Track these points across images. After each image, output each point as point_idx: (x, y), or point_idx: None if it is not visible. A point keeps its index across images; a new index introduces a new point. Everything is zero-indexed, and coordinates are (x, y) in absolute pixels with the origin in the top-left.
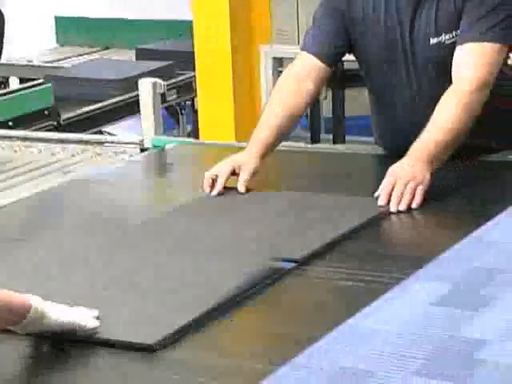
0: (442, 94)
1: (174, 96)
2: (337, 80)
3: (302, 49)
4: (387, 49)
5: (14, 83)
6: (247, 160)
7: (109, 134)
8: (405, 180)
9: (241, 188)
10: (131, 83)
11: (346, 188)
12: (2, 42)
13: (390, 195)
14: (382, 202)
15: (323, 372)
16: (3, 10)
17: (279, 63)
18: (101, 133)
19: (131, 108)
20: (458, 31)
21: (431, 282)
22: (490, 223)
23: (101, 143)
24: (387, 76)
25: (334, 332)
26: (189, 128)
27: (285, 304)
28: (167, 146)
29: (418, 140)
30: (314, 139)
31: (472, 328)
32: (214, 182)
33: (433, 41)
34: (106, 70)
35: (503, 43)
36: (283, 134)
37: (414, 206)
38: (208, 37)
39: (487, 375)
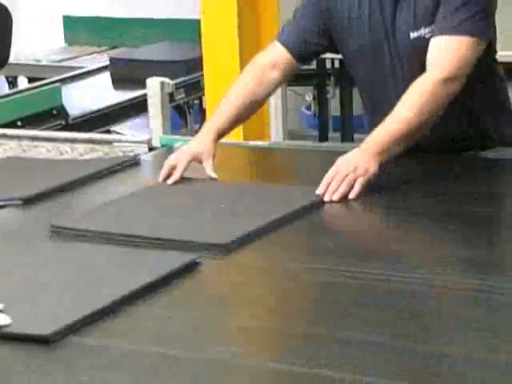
0: None
1: (182, 95)
2: (345, 78)
3: (277, 39)
4: (372, 45)
5: (22, 83)
6: (206, 148)
7: (117, 133)
8: (346, 172)
9: (213, 174)
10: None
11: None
12: (11, 42)
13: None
14: (318, 191)
15: None
16: (12, 10)
17: None
18: (109, 132)
19: (139, 107)
20: None
21: None
22: None
23: (109, 142)
24: (373, 72)
25: None
26: (196, 127)
27: (205, 289)
28: (175, 145)
29: (373, 130)
30: (323, 138)
31: None
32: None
33: (413, 35)
34: (168, 52)
35: (476, 37)
36: (239, 121)
37: (350, 196)
38: (216, 36)
39: None
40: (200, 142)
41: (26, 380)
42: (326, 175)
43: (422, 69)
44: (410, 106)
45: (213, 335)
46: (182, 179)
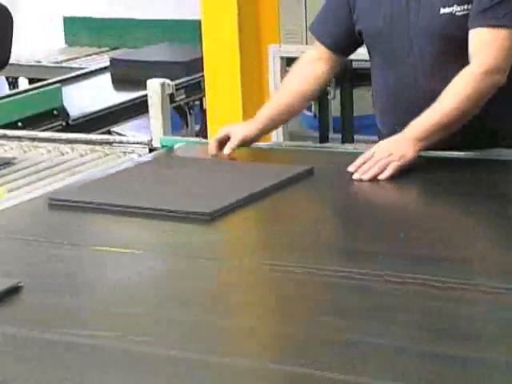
0: (444, 72)
1: (183, 96)
2: (345, 79)
3: (311, 32)
4: (392, 19)
5: (23, 83)
6: (242, 129)
7: (117, 134)
8: (380, 155)
9: (226, 150)
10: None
11: (355, 187)
12: (11, 43)
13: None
14: (350, 168)
15: None
16: (12, 11)
17: (287, 63)
18: (109, 133)
19: (140, 108)
20: (470, 6)
21: None
22: None
23: (109, 143)
24: (388, 50)
25: None
26: (197, 128)
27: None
28: (176, 146)
29: (417, 117)
30: (323, 139)
31: None
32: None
33: (443, 10)
34: (169, 53)
35: None
36: (290, 113)
37: (380, 177)
38: (216, 37)
39: None
40: (245, 123)
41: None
42: (361, 156)
43: (440, 50)
44: (453, 97)
45: None
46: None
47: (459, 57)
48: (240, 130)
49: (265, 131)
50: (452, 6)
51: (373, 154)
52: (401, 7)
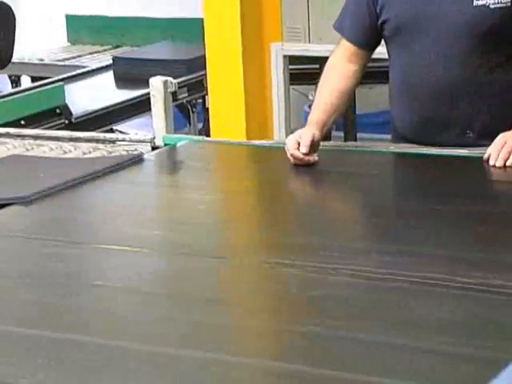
0: (471, 65)
1: (185, 94)
2: None
3: (336, 29)
4: (420, 9)
5: (25, 82)
6: (308, 132)
7: (120, 132)
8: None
9: (303, 149)
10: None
11: (357, 186)
12: (14, 41)
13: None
14: (492, 161)
15: None
16: (14, 9)
17: (290, 61)
18: (112, 131)
19: (142, 106)
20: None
21: None
22: None
23: (112, 141)
24: (414, 41)
25: None
26: (200, 126)
27: None
28: (178, 144)
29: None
30: (326, 137)
31: None
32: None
33: (476, 2)
34: (171, 51)
35: None
36: (337, 113)
37: (508, 163)
38: (219, 35)
39: None
40: (307, 129)
41: None
42: (495, 142)
43: (469, 44)
44: None
45: None
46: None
47: (489, 49)
48: (306, 133)
49: (323, 134)
50: None
51: (504, 141)
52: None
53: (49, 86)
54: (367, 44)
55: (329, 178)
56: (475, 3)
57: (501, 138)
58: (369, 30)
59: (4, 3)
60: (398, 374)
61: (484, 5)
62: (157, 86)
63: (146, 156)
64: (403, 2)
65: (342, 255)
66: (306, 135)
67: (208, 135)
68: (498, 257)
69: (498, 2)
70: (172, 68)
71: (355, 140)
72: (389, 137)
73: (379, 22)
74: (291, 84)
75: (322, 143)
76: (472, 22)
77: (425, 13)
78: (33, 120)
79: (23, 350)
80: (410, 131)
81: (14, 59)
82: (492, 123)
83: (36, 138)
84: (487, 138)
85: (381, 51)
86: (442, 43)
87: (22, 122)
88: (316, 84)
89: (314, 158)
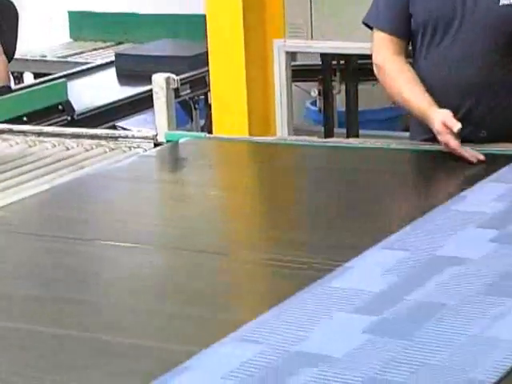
0: (493, 64)
1: (188, 91)
2: (350, 73)
3: (373, 25)
4: (447, 6)
5: (28, 78)
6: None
7: (122, 128)
8: None
9: (456, 128)
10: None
11: (360, 181)
12: (17, 38)
13: None
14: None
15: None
16: (17, 5)
17: (292, 58)
18: (114, 128)
19: (145, 103)
20: None
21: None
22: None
23: (114, 138)
24: (436, 40)
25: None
26: (202, 122)
27: None
28: (181, 141)
29: None
30: (328, 133)
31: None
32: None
33: (503, 1)
34: (174, 48)
35: None
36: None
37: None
38: (221, 31)
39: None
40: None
41: None
42: None
43: (492, 44)
44: None
45: None
46: None
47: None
48: (444, 112)
49: None
50: None
51: None
52: None
53: (51, 83)
54: (403, 32)
55: (331, 175)
56: (502, 2)
57: None
58: (405, 18)
59: (7, 0)
60: None
61: (510, 4)
62: (159, 83)
63: (148, 153)
64: (428, 4)
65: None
66: (446, 113)
67: (210, 132)
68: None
69: None
70: (174, 64)
71: (357, 137)
72: (391, 133)
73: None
74: (293, 80)
75: (324, 140)
76: (497, 21)
77: (451, 10)
78: (35, 116)
79: (17, 346)
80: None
81: (17, 56)
82: (506, 124)
83: (38, 134)
84: (499, 137)
85: None
86: (466, 41)
87: (25, 119)
88: (318, 81)
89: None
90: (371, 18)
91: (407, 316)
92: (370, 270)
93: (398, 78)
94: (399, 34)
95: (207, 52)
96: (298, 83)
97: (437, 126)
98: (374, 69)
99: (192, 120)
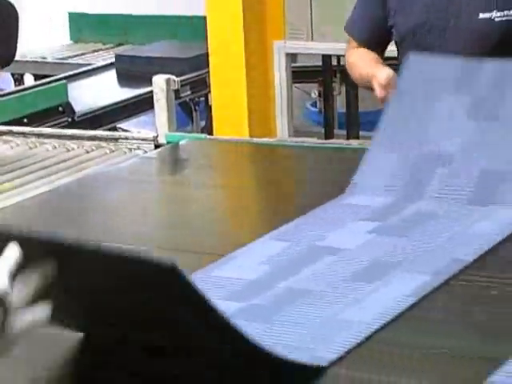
0: None
1: (188, 92)
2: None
3: (347, 32)
4: (428, 19)
5: (28, 80)
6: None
7: (123, 130)
8: None
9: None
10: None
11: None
12: (17, 39)
13: None
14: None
15: None
16: (17, 7)
17: (293, 59)
18: (115, 129)
19: (145, 104)
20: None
21: None
22: None
23: (115, 139)
24: (420, 49)
25: None
26: (202, 124)
27: None
28: (181, 142)
29: None
30: (328, 135)
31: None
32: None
33: (483, 15)
34: (174, 49)
35: None
36: None
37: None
38: (221, 33)
39: None
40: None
41: None
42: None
43: (478, 52)
44: None
45: None
46: None
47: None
48: (391, 71)
49: None
50: (492, 11)
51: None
52: (440, 7)
53: (51, 85)
54: (375, 43)
55: (331, 176)
56: (481, 16)
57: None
58: (379, 30)
59: (6, 1)
60: None
61: (488, 18)
62: (159, 84)
63: (148, 154)
64: (409, 10)
65: None
66: (391, 72)
67: (211, 133)
68: None
69: (503, 16)
70: (175, 66)
71: (358, 138)
72: None
73: (388, 26)
74: (293, 82)
75: (323, 141)
76: (476, 35)
77: (432, 23)
78: (36, 118)
79: None
80: None
81: (17, 57)
82: None
83: (39, 136)
84: None
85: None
86: (450, 52)
87: (25, 121)
88: (318, 82)
89: None
90: (348, 25)
91: (273, 303)
92: (251, 259)
93: (358, 61)
94: (372, 46)
95: (207, 53)
96: (298, 84)
97: (380, 79)
98: (347, 67)
99: (192, 121)
